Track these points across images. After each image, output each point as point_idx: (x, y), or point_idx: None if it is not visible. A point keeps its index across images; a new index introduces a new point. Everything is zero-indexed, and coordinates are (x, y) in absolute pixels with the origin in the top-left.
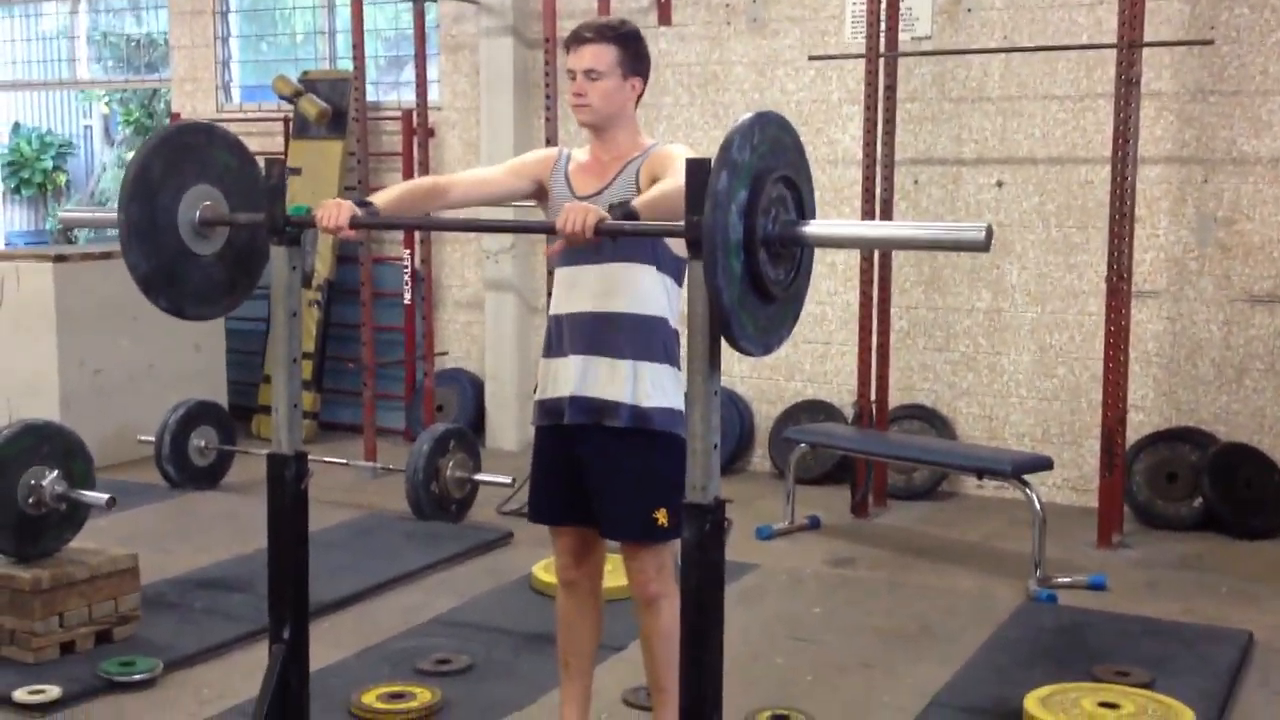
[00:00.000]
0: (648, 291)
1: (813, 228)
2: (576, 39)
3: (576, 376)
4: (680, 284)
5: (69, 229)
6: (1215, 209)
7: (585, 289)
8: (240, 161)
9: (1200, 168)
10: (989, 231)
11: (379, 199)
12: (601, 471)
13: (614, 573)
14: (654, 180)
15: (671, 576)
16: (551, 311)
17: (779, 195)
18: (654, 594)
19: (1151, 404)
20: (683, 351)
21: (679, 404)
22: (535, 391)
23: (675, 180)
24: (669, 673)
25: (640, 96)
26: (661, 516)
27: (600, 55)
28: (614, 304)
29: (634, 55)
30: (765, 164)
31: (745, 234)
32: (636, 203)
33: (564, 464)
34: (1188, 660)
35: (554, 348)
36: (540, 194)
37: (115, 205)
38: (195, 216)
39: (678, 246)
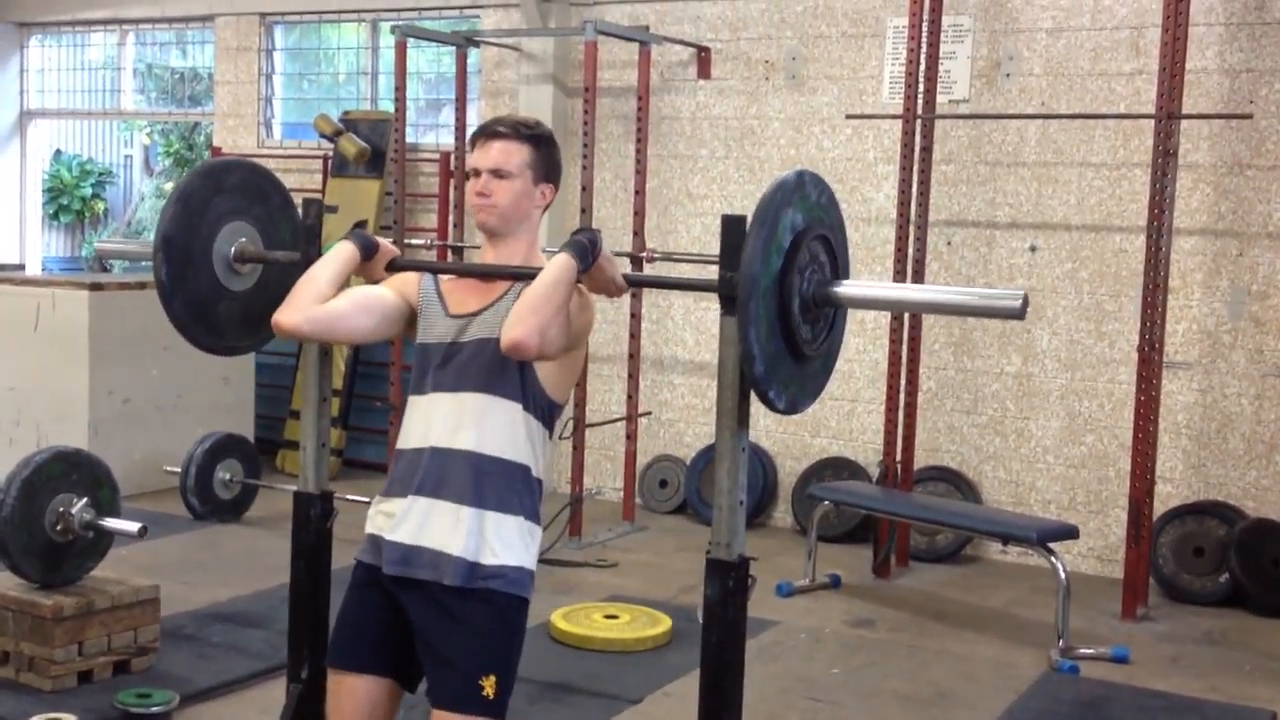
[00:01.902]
0: (508, 430)
1: (846, 288)
2: (486, 133)
3: (416, 523)
4: (551, 431)
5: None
6: (1249, 283)
7: (436, 421)
8: (289, 223)
9: (1235, 241)
10: (1025, 300)
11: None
12: (432, 626)
13: (628, 624)
14: None
15: None
16: (398, 445)
17: (815, 255)
18: None
19: (1180, 476)
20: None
21: (529, 563)
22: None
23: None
24: None
25: (548, 207)
26: (489, 686)
27: (511, 153)
28: (464, 440)
29: (547, 160)
30: (813, 216)
31: (783, 271)
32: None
33: (386, 605)
34: None
35: (393, 485)
36: (412, 317)
37: (150, 237)
38: (230, 251)
39: (551, 386)
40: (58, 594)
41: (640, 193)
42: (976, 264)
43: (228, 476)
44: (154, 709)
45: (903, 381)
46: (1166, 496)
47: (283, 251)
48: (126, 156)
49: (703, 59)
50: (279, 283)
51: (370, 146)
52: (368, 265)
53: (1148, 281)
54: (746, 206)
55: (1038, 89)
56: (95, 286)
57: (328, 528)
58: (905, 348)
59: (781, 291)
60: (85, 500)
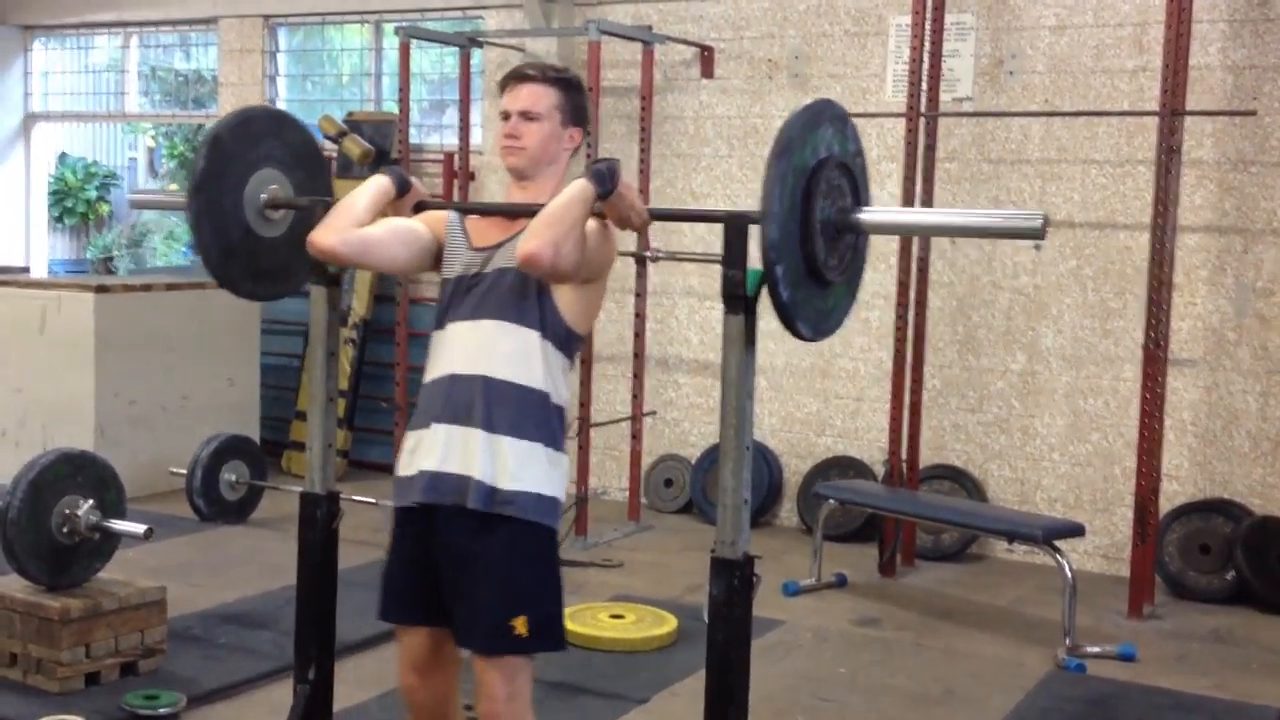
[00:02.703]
0: (525, 357)
1: (867, 214)
2: (516, 77)
3: (439, 450)
4: (570, 359)
5: (109, 259)
6: (1254, 279)
7: (456, 350)
8: (313, 176)
9: (1240, 237)
10: (1045, 220)
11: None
12: (456, 564)
13: (634, 624)
14: None
15: (526, 707)
16: (423, 380)
17: (839, 183)
18: None
19: (1185, 474)
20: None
21: (551, 490)
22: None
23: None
24: None
25: (576, 150)
26: (520, 625)
27: (539, 96)
28: (481, 366)
29: (575, 104)
30: (846, 150)
31: (813, 171)
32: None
33: (421, 551)
34: None
35: (417, 417)
36: (439, 254)
37: (183, 196)
38: (262, 197)
39: (571, 315)
40: (64, 596)
41: (643, 192)
42: (980, 261)
43: (233, 478)
44: (161, 710)
45: (907, 380)
46: (1172, 494)
47: (311, 198)
48: (131, 159)
49: (706, 58)
50: (294, 246)
51: (375, 147)
52: (397, 203)
53: (1152, 279)
54: (750, 205)
55: (1041, 86)
56: (101, 289)
57: (334, 528)
58: (910, 346)
59: (808, 186)
60: (91, 502)
